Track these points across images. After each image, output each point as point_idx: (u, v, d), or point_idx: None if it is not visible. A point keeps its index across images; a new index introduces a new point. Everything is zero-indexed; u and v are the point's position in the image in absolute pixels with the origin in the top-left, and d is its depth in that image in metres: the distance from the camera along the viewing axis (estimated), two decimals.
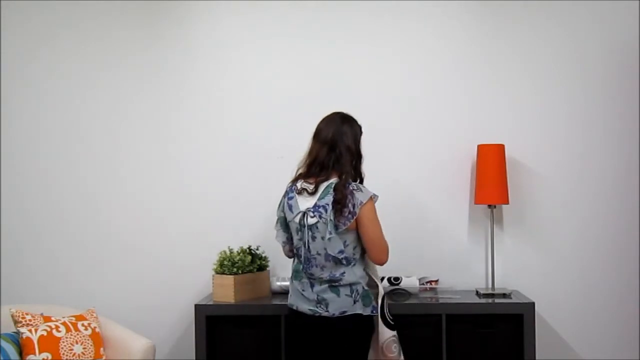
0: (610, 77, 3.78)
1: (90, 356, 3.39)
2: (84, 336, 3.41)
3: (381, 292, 3.01)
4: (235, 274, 3.50)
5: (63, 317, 3.45)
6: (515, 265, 3.79)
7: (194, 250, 3.86)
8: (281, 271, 3.71)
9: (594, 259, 3.78)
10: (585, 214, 3.79)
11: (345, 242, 2.88)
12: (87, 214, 3.91)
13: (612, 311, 3.76)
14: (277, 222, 3.09)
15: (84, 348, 3.38)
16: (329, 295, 2.89)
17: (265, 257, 3.67)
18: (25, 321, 3.37)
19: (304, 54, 3.86)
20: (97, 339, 3.46)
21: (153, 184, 3.90)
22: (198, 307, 3.44)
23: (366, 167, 3.79)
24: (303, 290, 2.96)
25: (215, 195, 3.86)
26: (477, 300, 3.51)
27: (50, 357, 3.29)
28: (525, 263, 3.79)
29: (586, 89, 3.79)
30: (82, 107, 3.92)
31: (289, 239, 3.05)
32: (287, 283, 3.35)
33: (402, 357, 3.10)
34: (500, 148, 3.67)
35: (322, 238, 2.88)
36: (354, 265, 2.93)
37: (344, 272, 2.90)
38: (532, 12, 3.80)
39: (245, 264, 3.53)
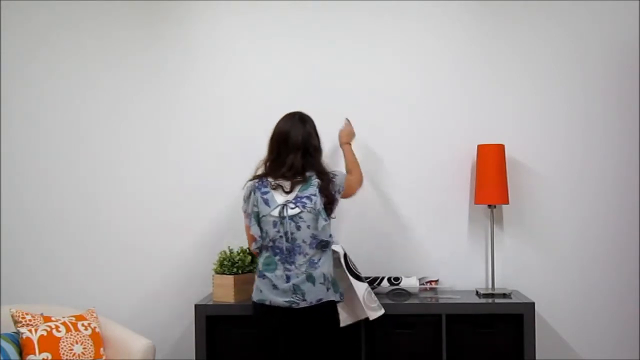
0: (610, 77, 3.78)
1: (90, 356, 3.39)
2: (84, 336, 3.41)
3: (341, 252, 3.25)
4: (235, 274, 3.50)
5: (63, 317, 3.45)
6: (515, 265, 3.79)
7: (194, 250, 3.86)
8: None
9: (594, 259, 3.78)
10: (585, 214, 3.79)
11: (330, 226, 3.12)
12: (87, 214, 3.91)
13: (612, 311, 3.76)
14: (250, 218, 3.14)
15: (84, 348, 3.38)
16: (306, 286, 3.01)
17: None
18: (25, 321, 3.37)
19: (304, 54, 3.86)
20: (97, 339, 3.46)
21: (153, 184, 3.90)
22: (198, 307, 3.44)
23: (366, 167, 3.82)
24: (276, 283, 3.04)
25: (215, 195, 3.86)
26: (477, 300, 3.51)
27: (50, 357, 3.29)
28: (525, 263, 3.80)
29: (586, 89, 3.79)
30: (82, 107, 3.93)
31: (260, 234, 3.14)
32: None
33: (382, 308, 3.29)
34: (500, 148, 3.67)
35: (308, 227, 3.03)
36: (328, 250, 3.11)
37: (321, 259, 3.06)
38: (532, 12, 3.80)
39: (245, 264, 3.53)
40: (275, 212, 3.06)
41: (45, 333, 3.33)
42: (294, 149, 3.09)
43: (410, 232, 3.82)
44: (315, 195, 3.05)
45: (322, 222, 3.04)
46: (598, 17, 3.78)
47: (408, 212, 3.83)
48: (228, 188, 3.84)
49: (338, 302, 3.12)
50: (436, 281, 3.74)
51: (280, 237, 3.05)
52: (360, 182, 3.42)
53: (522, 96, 3.81)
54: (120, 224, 3.91)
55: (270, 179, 3.11)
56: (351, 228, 3.83)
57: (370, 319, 3.27)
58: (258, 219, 3.12)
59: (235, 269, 3.51)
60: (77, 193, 3.92)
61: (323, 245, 3.08)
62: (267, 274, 3.07)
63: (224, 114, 3.88)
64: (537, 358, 3.40)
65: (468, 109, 3.82)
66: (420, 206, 3.83)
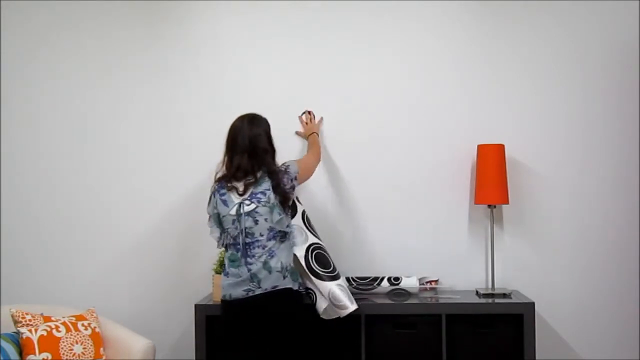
0: (610, 77, 3.78)
1: (90, 356, 3.39)
2: (84, 336, 3.41)
3: (301, 253, 3.27)
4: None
5: (63, 317, 3.45)
6: (515, 265, 3.79)
7: (194, 250, 3.86)
8: None
9: (594, 259, 3.78)
10: (585, 214, 3.79)
11: (288, 216, 3.23)
12: (87, 214, 3.91)
13: (612, 311, 3.76)
14: (209, 220, 3.27)
15: (84, 348, 3.38)
16: (262, 274, 3.10)
17: None
18: (25, 321, 3.36)
19: (303, 54, 3.86)
20: (97, 339, 3.46)
21: (153, 184, 3.90)
22: (198, 307, 3.44)
23: (366, 166, 3.82)
24: (239, 277, 3.13)
25: None
26: (477, 300, 3.51)
27: (50, 357, 3.29)
28: (525, 263, 3.80)
29: (586, 89, 3.79)
30: (82, 107, 3.92)
31: (222, 233, 3.23)
32: None
33: (354, 304, 3.26)
34: (500, 148, 3.67)
35: (266, 220, 3.13)
36: (288, 240, 3.21)
37: (279, 248, 3.16)
38: (532, 12, 3.80)
39: None
40: (233, 211, 3.16)
41: (45, 333, 3.33)
42: (240, 151, 3.18)
43: (410, 232, 3.81)
44: (269, 189, 3.15)
45: (276, 216, 3.13)
46: (598, 17, 3.78)
47: (408, 212, 3.82)
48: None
49: (297, 291, 3.17)
50: (436, 281, 3.74)
51: (239, 233, 3.14)
52: (317, 159, 3.55)
53: (522, 96, 3.81)
54: (120, 224, 3.90)
55: (225, 181, 3.21)
56: (351, 228, 3.83)
57: (341, 316, 3.26)
58: (219, 219, 3.22)
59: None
60: (78, 193, 3.92)
61: (281, 236, 3.18)
62: (231, 269, 3.17)
63: (223, 114, 3.86)
64: (537, 358, 3.40)
65: (468, 109, 3.82)
66: (420, 206, 3.83)
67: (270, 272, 3.11)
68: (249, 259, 3.13)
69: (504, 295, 3.57)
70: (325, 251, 3.38)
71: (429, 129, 3.83)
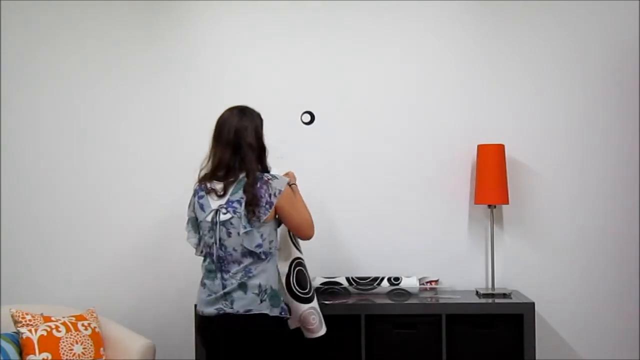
0: (610, 77, 3.78)
1: (90, 356, 3.39)
2: (84, 336, 3.41)
3: (283, 272, 3.04)
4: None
5: (63, 317, 3.45)
6: (515, 265, 3.79)
7: (194, 250, 3.85)
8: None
9: (594, 259, 3.78)
10: (585, 214, 3.79)
11: (262, 235, 2.83)
12: (87, 214, 3.91)
13: (612, 311, 3.76)
14: (187, 223, 3.01)
15: (84, 348, 3.38)
16: (237, 293, 2.81)
17: None
18: (25, 321, 3.36)
19: (303, 54, 3.86)
20: (97, 339, 3.46)
21: (153, 184, 3.90)
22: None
23: (366, 166, 3.81)
24: (212, 291, 2.86)
25: None
26: (477, 300, 3.51)
27: (50, 357, 3.29)
28: (525, 263, 3.80)
29: (586, 89, 3.79)
30: (82, 107, 3.92)
31: (200, 240, 2.97)
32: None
33: (324, 328, 3.12)
34: (500, 148, 3.67)
35: (238, 233, 2.81)
36: (269, 260, 2.88)
37: (259, 268, 2.83)
38: (532, 12, 3.80)
39: None
40: (209, 218, 2.87)
41: (45, 333, 3.33)
42: (224, 144, 2.88)
43: (410, 232, 3.82)
44: (242, 198, 2.81)
45: (241, 229, 2.80)
46: (598, 17, 3.78)
47: (408, 212, 3.82)
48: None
49: (275, 316, 2.85)
50: (436, 281, 3.74)
51: (213, 243, 2.85)
52: (311, 224, 3.01)
53: (522, 96, 3.81)
54: (120, 224, 3.90)
55: (208, 183, 2.90)
56: (351, 228, 3.83)
57: (305, 337, 3.11)
58: (197, 224, 2.96)
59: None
60: (78, 193, 3.91)
61: (254, 255, 2.83)
62: (207, 281, 2.91)
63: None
64: (537, 358, 3.40)
65: (468, 109, 3.82)
66: (420, 206, 3.83)
67: (245, 292, 2.81)
68: (224, 274, 2.84)
69: (504, 295, 3.57)
70: (305, 267, 3.14)
71: (429, 129, 3.83)
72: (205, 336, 2.97)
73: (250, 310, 2.81)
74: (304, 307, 3.08)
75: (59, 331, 3.36)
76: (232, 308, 2.82)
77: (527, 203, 3.80)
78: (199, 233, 2.96)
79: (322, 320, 3.13)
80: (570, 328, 3.77)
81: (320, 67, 3.86)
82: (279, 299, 2.90)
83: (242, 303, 2.81)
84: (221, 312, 2.83)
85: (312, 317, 3.09)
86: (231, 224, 2.83)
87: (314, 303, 3.13)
